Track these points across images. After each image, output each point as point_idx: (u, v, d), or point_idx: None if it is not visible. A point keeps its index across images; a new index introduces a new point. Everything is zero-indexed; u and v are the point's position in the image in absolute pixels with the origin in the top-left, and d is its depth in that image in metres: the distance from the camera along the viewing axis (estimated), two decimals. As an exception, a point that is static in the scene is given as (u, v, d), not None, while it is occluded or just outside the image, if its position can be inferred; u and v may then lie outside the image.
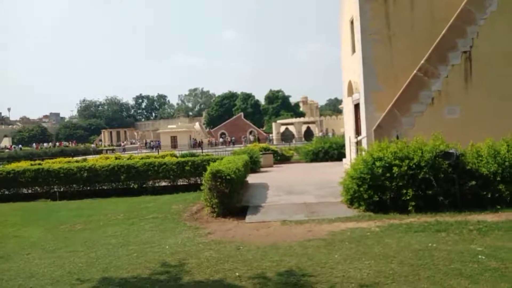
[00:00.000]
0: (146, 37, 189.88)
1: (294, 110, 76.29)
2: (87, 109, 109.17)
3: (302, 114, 74.20)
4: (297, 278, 5.02)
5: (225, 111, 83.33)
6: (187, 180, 13.95)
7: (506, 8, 11.37)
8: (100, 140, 79.36)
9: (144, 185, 13.93)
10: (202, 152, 29.44)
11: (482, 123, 10.80)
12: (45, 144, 65.71)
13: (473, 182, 8.12)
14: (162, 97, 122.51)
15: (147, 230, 8.20)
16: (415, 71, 11.58)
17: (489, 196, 8.05)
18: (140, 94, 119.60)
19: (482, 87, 11.34)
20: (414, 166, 8.24)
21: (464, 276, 4.72)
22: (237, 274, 5.31)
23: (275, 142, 51.60)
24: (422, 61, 11.56)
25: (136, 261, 6.16)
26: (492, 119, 10.93)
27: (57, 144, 66.34)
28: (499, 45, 11.36)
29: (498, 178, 8.08)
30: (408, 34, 12.70)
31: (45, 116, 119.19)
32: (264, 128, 73.38)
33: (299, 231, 7.38)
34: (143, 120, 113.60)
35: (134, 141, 74.29)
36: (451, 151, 8.35)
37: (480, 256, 5.33)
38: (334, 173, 13.25)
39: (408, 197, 8.10)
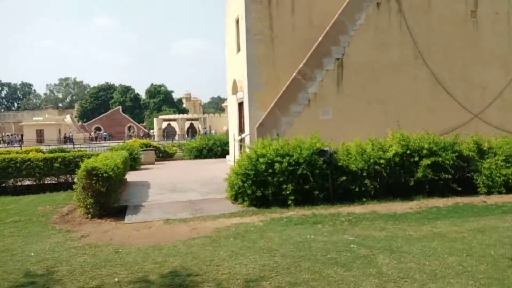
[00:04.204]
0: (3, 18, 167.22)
1: (177, 106, 75.00)
2: None
3: (185, 111, 73.34)
4: (182, 278, 4.84)
5: (101, 104, 78.09)
6: (56, 179, 12.57)
7: (371, 22, 12.76)
8: None
9: (3, 184, 12.15)
10: (74, 148, 27.06)
11: (351, 124, 11.94)
12: None
13: (344, 178, 8.90)
14: (26, 86, 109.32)
15: (7, 236, 7.12)
16: (294, 74, 12.24)
17: (357, 190, 8.90)
18: (0, 81, 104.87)
19: (351, 91, 12.53)
20: (293, 162, 8.69)
21: (339, 264, 5.08)
22: (116, 279, 4.89)
23: (156, 138, 50.10)
24: (300, 65, 12.28)
25: (-9, 273, 5.27)
26: (360, 121, 12.16)
27: None
28: (366, 55, 12.69)
29: (364, 174, 8.96)
30: (289, 37, 13.41)
31: None
32: (144, 124, 70.66)
33: (183, 229, 7.17)
34: (2, 110, 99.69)
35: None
36: (325, 149, 9.00)
37: (352, 245, 5.81)
38: (219, 170, 13.32)
39: (288, 192, 8.51)
